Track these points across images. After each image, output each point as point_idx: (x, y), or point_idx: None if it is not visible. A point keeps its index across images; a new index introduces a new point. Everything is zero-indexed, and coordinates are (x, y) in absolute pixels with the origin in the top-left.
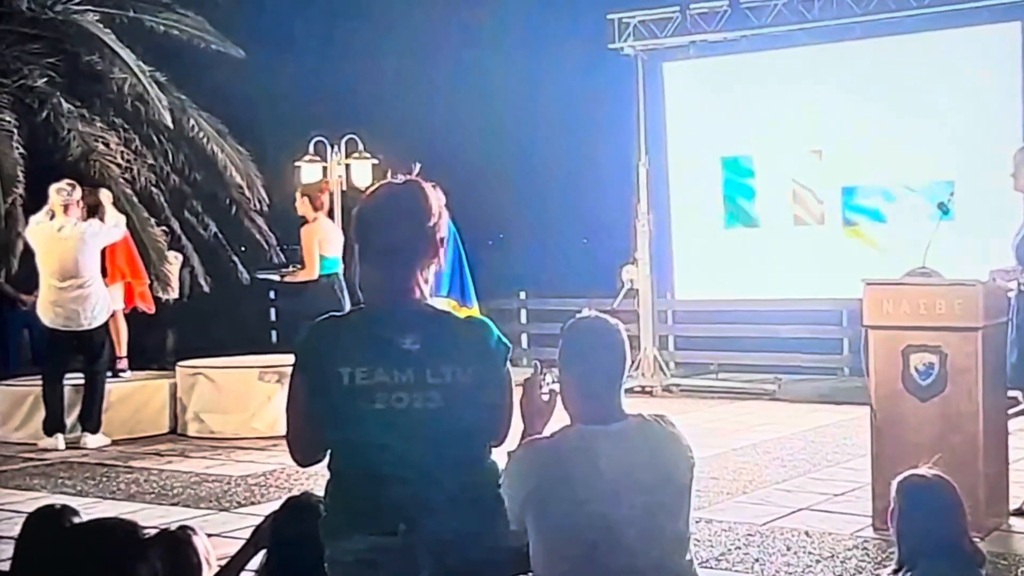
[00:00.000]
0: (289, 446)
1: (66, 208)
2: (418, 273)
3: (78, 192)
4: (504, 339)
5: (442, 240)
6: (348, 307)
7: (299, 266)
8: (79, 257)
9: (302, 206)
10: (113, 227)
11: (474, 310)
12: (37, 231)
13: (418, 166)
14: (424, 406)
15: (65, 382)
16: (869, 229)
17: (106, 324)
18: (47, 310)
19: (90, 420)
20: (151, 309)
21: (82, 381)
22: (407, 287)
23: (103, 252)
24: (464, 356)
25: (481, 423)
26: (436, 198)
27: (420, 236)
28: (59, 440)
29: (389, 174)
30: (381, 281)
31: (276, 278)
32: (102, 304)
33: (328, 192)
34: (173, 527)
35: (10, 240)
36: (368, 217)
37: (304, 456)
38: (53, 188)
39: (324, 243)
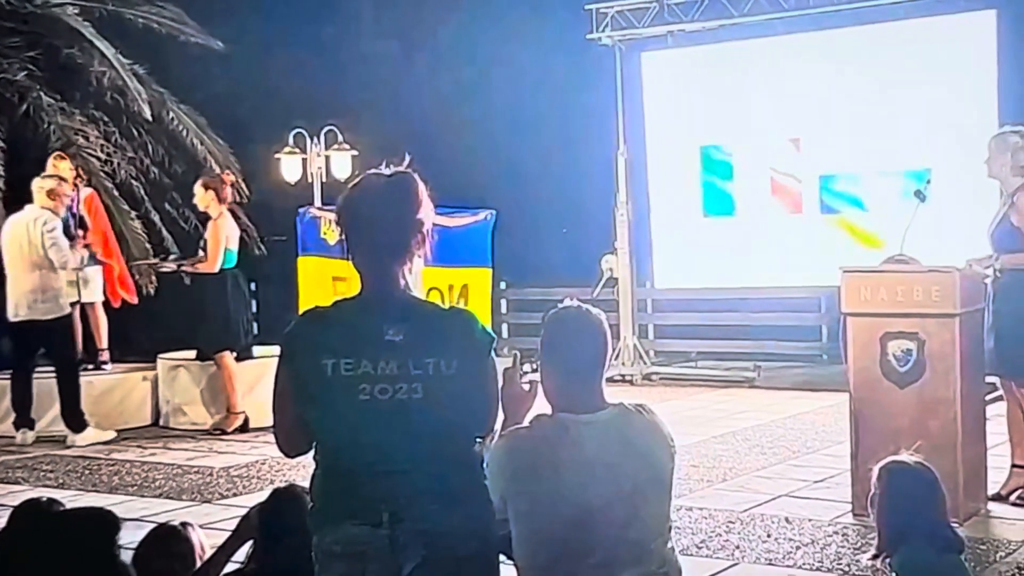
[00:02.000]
0: (276, 437)
1: (42, 200)
2: (403, 264)
3: (62, 187)
4: (488, 330)
5: (428, 232)
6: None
7: (201, 256)
8: (35, 244)
9: (205, 199)
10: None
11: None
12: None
13: (408, 157)
14: (408, 397)
15: (37, 378)
16: (846, 216)
17: (69, 317)
18: (8, 303)
19: (71, 418)
20: (133, 299)
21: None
22: (391, 278)
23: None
24: (448, 347)
25: (465, 414)
26: (424, 190)
27: (406, 228)
28: (27, 435)
29: (384, 165)
30: (365, 271)
31: (173, 268)
32: (61, 295)
33: (230, 184)
34: (175, 521)
35: None
36: (354, 207)
37: (290, 447)
38: (34, 184)
39: (230, 238)
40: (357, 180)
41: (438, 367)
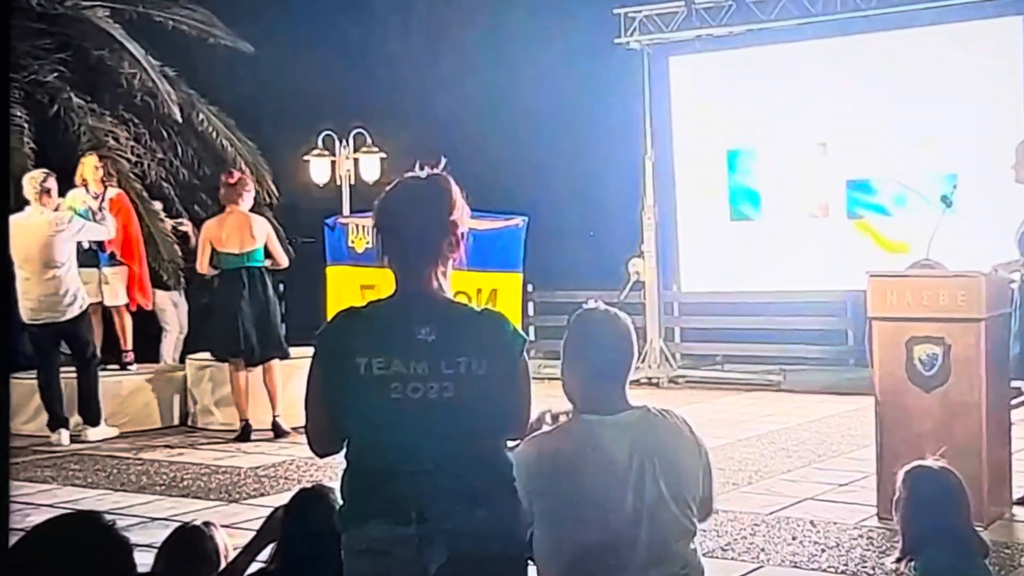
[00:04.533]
0: (307, 436)
1: (39, 197)
2: (437, 266)
3: (52, 183)
4: (520, 331)
5: (462, 235)
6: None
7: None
8: (49, 246)
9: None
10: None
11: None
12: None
13: (444, 160)
14: (439, 396)
15: (62, 377)
16: (873, 221)
17: (85, 315)
18: (23, 306)
19: (88, 413)
20: (148, 304)
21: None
22: (424, 279)
23: (121, 233)
24: (479, 348)
25: (495, 415)
26: (459, 192)
27: (440, 230)
28: (63, 435)
29: (417, 166)
30: (399, 272)
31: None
32: (78, 294)
33: (231, 183)
34: (186, 520)
35: None
36: (389, 208)
37: (321, 446)
38: (26, 178)
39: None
40: (393, 182)
41: (469, 367)
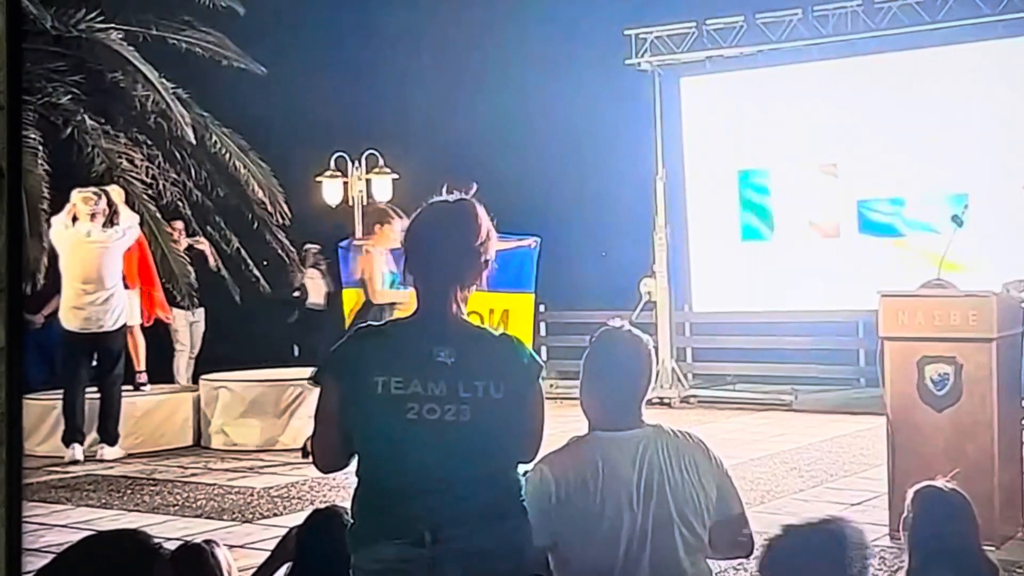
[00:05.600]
0: (313, 450)
1: (92, 216)
2: (459, 290)
3: (104, 201)
4: (537, 357)
5: (487, 261)
6: None
7: None
8: (105, 263)
9: None
10: (128, 228)
11: (528, 297)
12: (63, 236)
13: (475, 186)
14: (456, 419)
15: (86, 395)
16: (884, 241)
17: (124, 330)
18: (69, 314)
19: (107, 432)
20: (169, 317)
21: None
22: (446, 301)
23: (134, 260)
24: (497, 372)
25: (510, 438)
26: (485, 217)
27: (465, 255)
28: (76, 450)
29: (445, 189)
30: (422, 293)
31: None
32: (125, 309)
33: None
34: (196, 540)
35: (36, 257)
36: (415, 231)
37: (326, 462)
38: (79, 195)
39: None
40: (425, 204)
41: (487, 390)
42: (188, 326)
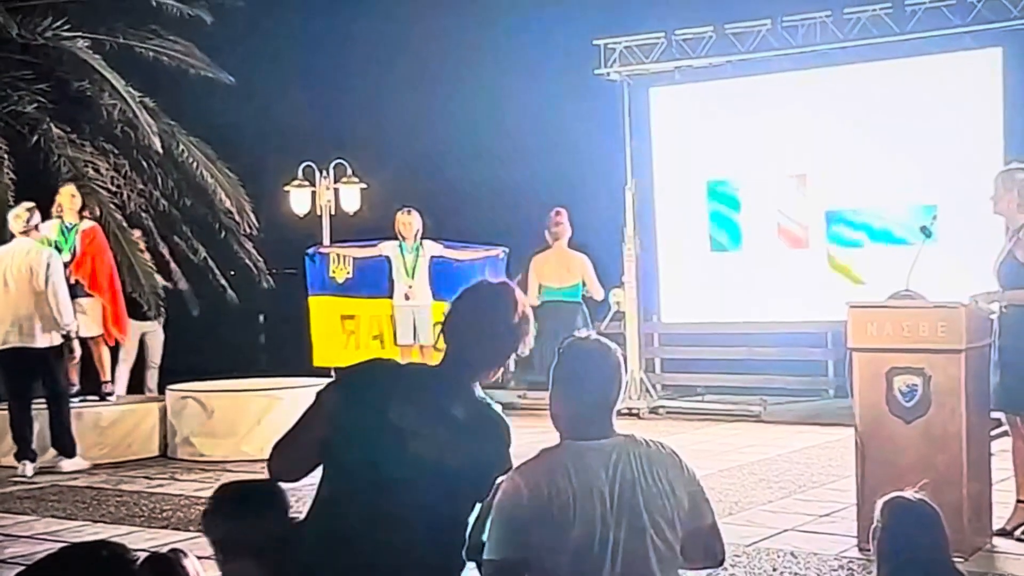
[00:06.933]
0: (273, 451)
1: (25, 232)
2: (487, 369)
3: (36, 217)
4: (510, 430)
5: (518, 340)
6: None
7: None
8: (27, 278)
9: None
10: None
11: None
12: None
13: (507, 251)
14: (433, 466)
15: (34, 409)
16: (852, 252)
17: (60, 347)
18: (1, 330)
19: (61, 444)
20: (123, 338)
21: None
22: (471, 373)
23: (89, 264)
24: (486, 442)
25: (475, 490)
26: (523, 301)
27: (500, 333)
28: (27, 467)
29: (487, 272)
30: (452, 349)
31: None
32: (50, 325)
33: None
34: (163, 550)
35: None
36: (458, 307)
37: (282, 468)
38: (11, 213)
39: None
40: (470, 285)
41: (467, 455)
42: (138, 336)
